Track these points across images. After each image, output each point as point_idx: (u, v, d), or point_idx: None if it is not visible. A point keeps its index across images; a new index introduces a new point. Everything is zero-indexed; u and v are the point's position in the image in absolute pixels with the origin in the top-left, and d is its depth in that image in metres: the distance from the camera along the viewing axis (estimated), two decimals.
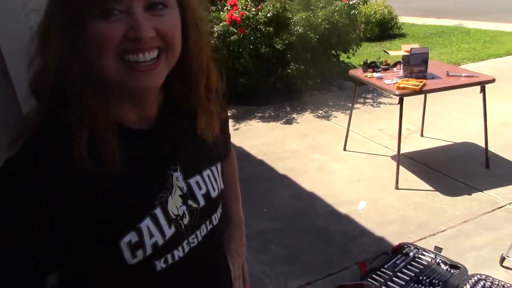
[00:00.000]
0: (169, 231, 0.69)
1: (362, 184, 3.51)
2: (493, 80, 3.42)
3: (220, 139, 0.92)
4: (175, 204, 0.71)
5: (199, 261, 0.77)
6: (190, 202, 0.74)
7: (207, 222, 0.78)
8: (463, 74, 3.56)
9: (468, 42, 7.91)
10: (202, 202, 0.76)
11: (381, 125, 4.50)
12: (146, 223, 0.68)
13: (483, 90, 3.43)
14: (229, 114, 5.13)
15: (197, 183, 0.76)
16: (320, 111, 5.13)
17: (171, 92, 0.76)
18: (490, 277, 2.40)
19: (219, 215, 0.82)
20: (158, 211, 0.69)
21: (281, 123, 4.86)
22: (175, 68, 0.71)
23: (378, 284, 0.50)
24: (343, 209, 3.20)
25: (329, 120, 4.86)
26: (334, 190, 3.44)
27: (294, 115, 5.05)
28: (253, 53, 5.08)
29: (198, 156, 0.79)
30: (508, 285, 2.34)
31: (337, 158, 3.96)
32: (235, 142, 4.39)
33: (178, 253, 0.72)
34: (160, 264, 0.69)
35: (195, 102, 0.75)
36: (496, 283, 2.35)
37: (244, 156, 4.10)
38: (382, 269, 2.52)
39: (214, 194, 0.79)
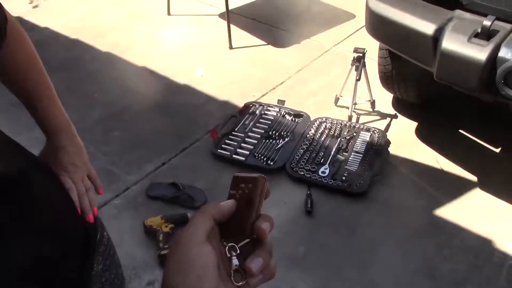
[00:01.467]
0: None
1: (195, 50, 3.31)
2: None
3: None
4: None
5: None
6: None
7: None
8: None
9: None
10: None
11: None
12: None
13: None
14: None
15: None
16: None
17: None
18: (329, 118, 2.57)
19: None
20: None
21: None
22: None
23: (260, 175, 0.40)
24: (181, 79, 3.00)
25: None
26: (167, 61, 3.17)
27: None
28: None
29: None
30: (345, 122, 2.54)
31: (163, 25, 3.62)
32: (37, 22, 3.69)
33: None
34: None
35: None
36: (335, 122, 2.54)
37: (54, 38, 3.47)
38: (233, 132, 2.50)
39: None
